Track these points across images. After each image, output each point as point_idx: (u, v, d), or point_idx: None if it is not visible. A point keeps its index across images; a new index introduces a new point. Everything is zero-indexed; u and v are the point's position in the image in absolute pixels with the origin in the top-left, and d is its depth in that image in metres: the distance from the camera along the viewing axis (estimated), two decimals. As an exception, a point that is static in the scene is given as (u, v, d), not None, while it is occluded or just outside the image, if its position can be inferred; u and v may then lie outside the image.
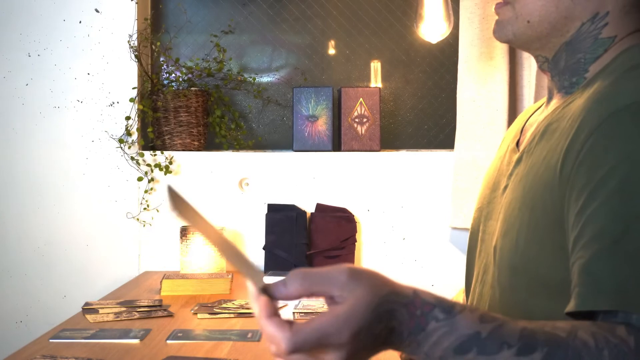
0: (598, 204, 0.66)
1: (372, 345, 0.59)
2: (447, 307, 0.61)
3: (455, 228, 2.06)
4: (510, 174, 0.87)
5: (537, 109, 0.95)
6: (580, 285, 0.65)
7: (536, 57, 0.89)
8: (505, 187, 0.86)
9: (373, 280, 0.60)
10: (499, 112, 1.99)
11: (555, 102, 0.87)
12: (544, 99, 0.93)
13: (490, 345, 0.60)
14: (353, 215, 2.05)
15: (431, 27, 2.00)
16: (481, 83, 2.00)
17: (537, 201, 0.76)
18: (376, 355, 0.61)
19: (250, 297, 0.61)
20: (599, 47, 0.82)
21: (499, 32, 0.87)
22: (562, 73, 0.85)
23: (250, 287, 0.61)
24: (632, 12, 0.82)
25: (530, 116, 0.95)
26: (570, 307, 0.65)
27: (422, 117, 2.31)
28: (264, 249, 2.03)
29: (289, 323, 0.58)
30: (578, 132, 0.72)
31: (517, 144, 0.90)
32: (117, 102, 2.12)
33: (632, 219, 0.64)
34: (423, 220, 2.10)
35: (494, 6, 0.90)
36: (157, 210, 2.11)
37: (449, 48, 2.24)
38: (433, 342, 0.60)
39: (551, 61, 0.86)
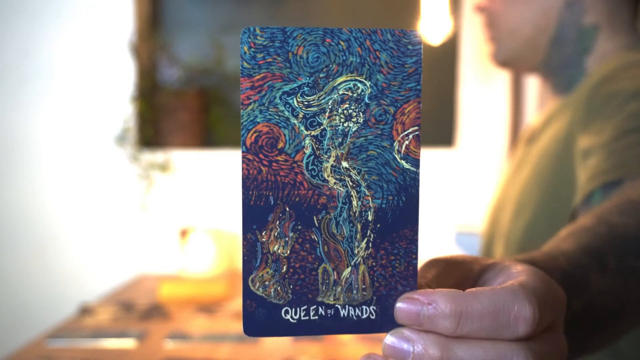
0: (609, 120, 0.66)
1: None
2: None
3: (459, 227, 2.05)
4: (516, 169, 0.87)
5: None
6: (610, 158, 0.62)
7: (534, 70, 0.88)
8: (512, 182, 0.86)
9: None
10: (500, 111, 1.98)
11: (554, 102, 0.86)
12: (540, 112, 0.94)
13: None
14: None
15: (433, 28, 1.99)
16: (483, 81, 1.99)
17: (548, 176, 0.75)
18: None
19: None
20: (585, 37, 0.81)
21: (496, 55, 0.88)
22: (557, 70, 0.84)
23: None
24: None
25: None
26: (604, 179, 0.60)
27: (423, 115, 2.29)
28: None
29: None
30: (579, 103, 0.73)
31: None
32: (116, 101, 2.11)
33: None
34: (424, 217, 2.08)
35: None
36: (156, 211, 2.10)
37: (451, 46, 2.23)
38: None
39: (544, 63, 0.85)
